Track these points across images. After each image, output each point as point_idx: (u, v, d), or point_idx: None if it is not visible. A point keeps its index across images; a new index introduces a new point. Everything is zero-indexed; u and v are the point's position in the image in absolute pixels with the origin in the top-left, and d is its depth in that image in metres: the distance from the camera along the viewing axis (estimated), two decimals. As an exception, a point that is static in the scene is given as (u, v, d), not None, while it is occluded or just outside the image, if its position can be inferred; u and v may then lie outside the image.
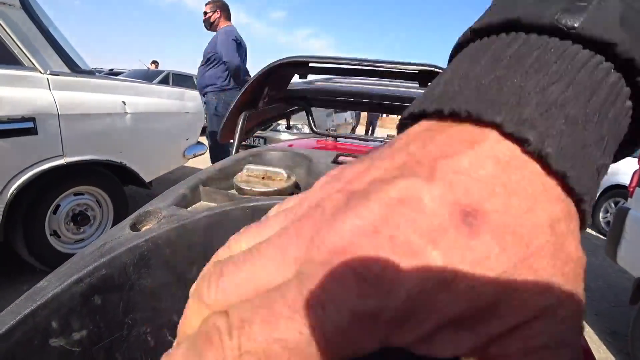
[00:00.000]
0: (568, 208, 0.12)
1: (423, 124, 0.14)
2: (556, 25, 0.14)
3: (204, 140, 3.02)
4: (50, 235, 1.84)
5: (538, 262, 0.11)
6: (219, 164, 0.68)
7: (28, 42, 1.62)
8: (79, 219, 1.97)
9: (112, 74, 8.74)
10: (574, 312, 0.12)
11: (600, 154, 0.13)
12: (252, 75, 1.21)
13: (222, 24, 2.98)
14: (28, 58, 1.61)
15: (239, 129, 1.11)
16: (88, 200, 2.01)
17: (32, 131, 1.54)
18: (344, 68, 1.03)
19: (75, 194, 1.93)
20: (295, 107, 1.50)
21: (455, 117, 0.13)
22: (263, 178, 0.62)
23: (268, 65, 0.96)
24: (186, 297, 0.14)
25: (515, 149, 0.12)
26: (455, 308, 0.11)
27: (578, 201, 0.13)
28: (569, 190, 0.12)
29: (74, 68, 1.83)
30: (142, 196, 2.90)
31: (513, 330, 0.11)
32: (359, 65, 0.96)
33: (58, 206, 1.84)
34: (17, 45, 1.57)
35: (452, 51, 0.18)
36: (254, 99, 1.09)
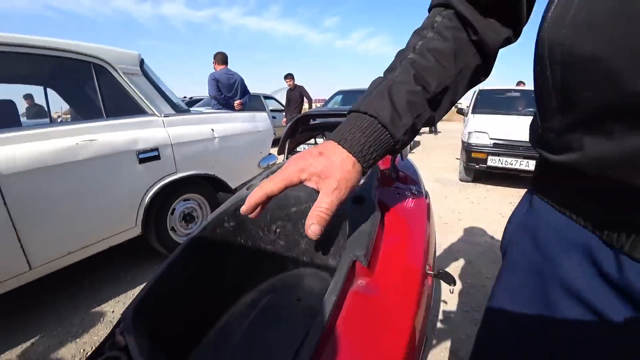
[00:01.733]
0: (347, 155, 0.49)
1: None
2: (358, 109, 0.51)
3: (274, 151, 3.67)
4: (170, 230, 2.55)
5: (333, 167, 0.48)
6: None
7: (148, 97, 2.35)
8: (187, 218, 2.68)
9: (193, 101, 10.02)
10: (338, 181, 0.48)
11: (367, 150, 0.50)
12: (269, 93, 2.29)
13: (217, 68, 4.84)
14: (150, 108, 2.34)
15: (286, 150, 1.71)
16: (193, 204, 2.72)
17: (157, 157, 2.26)
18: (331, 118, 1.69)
19: (184, 200, 2.64)
20: (318, 132, 2.07)
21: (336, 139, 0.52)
22: None
23: (294, 118, 1.59)
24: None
25: (339, 147, 0.50)
26: (316, 172, 0.49)
27: (350, 154, 0.49)
28: (347, 152, 0.49)
29: (177, 109, 2.55)
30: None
31: (323, 179, 0.49)
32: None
33: (174, 209, 2.56)
34: (142, 100, 2.31)
35: (347, 112, 0.53)
36: (293, 131, 1.70)
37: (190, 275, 0.86)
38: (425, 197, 1.12)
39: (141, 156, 2.16)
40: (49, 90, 2.61)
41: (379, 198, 0.95)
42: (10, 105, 1.93)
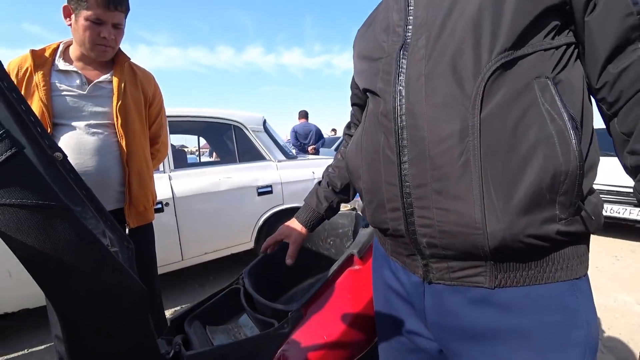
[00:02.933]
0: (298, 224, 1.06)
1: None
2: (305, 201, 1.08)
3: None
4: (275, 248, 3.33)
5: (293, 230, 1.06)
6: None
7: (267, 147, 3.22)
8: (289, 240, 3.44)
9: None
10: (295, 237, 1.06)
11: (307, 221, 1.05)
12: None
13: (299, 121, 6.70)
14: (268, 155, 3.20)
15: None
16: (293, 230, 3.48)
17: (270, 192, 3.07)
18: None
19: (287, 226, 3.41)
20: None
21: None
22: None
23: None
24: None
25: (295, 220, 1.08)
26: (287, 233, 1.08)
27: (300, 223, 1.06)
28: (297, 222, 1.07)
29: (287, 155, 3.38)
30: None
31: (290, 236, 1.07)
32: None
33: (279, 232, 3.34)
34: (263, 149, 3.18)
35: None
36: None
37: (279, 259, 1.50)
38: None
39: (260, 190, 3.00)
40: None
41: None
42: (182, 152, 2.94)
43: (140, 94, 1.50)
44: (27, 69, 1.31)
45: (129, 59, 1.49)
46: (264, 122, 3.30)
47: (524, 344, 0.58)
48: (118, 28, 1.36)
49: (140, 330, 0.59)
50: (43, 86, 1.29)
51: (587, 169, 0.54)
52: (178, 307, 2.71)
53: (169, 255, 2.62)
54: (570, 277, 0.58)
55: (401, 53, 0.62)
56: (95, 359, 0.56)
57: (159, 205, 2.49)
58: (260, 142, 3.18)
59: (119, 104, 1.40)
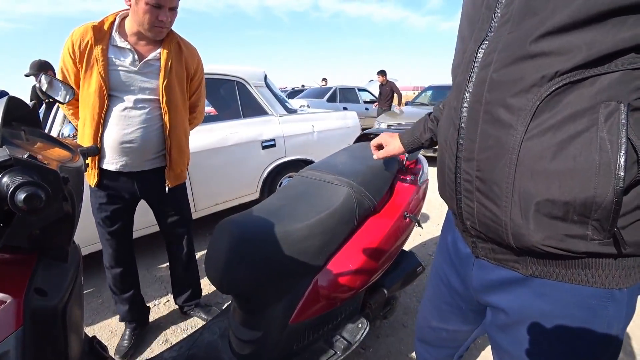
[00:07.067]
0: (399, 142, 1.18)
1: None
2: (412, 127, 1.20)
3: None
4: (278, 197, 3.55)
5: (394, 143, 1.21)
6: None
7: (269, 102, 3.34)
8: (291, 190, 3.65)
9: (295, 91, 11.18)
10: (392, 149, 1.22)
11: (408, 142, 1.15)
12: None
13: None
14: (270, 110, 3.33)
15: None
16: (295, 180, 3.69)
17: (274, 145, 3.23)
18: None
19: (289, 177, 3.59)
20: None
21: None
22: None
23: (358, 135, 2.23)
24: None
25: (397, 137, 1.20)
26: (386, 141, 1.31)
27: (401, 142, 1.18)
28: (399, 140, 1.18)
29: (288, 110, 3.51)
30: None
31: (388, 145, 1.33)
32: None
33: (281, 182, 3.53)
34: (266, 104, 3.30)
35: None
36: (361, 137, 2.48)
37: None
38: (419, 183, 1.71)
39: (264, 144, 3.17)
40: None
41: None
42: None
43: (183, 70, 1.63)
44: (87, 42, 1.43)
45: (178, 36, 1.62)
46: (265, 77, 3.39)
47: (550, 327, 0.64)
48: (174, 10, 1.48)
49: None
50: (102, 61, 1.44)
51: None
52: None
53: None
54: (605, 285, 0.58)
55: (478, 50, 0.63)
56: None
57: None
58: (262, 97, 3.30)
59: (165, 82, 1.55)
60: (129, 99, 1.51)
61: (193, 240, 2.01)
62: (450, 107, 0.73)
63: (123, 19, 1.52)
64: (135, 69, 1.51)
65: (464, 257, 0.82)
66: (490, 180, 0.61)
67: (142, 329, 1.98)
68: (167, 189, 1.72)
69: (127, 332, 1.91)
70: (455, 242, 0.86)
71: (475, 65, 0.62)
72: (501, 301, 0.72)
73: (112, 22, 1.50)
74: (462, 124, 0.65)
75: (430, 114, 1.10)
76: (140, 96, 1.53)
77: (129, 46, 1.49)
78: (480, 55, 0.61)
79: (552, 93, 0.52)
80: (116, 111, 1.51)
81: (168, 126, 1.60)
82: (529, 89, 0.54)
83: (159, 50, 1.55)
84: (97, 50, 1.43)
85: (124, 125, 1.52)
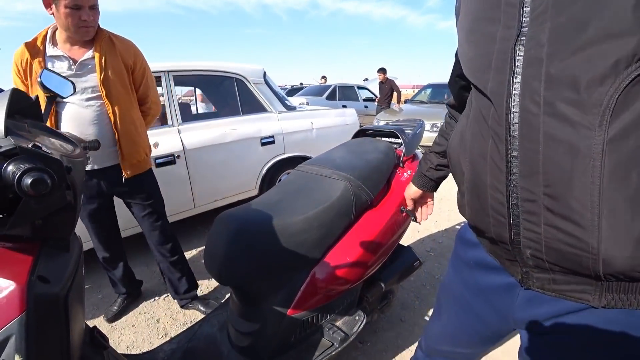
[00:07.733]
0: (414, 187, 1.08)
1: None
2: (420, 168, 1.06)
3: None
4: (277, 194, 3.57)
5: (409, 188, 1.11)
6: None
7: (268, 99, 3.35)
8: (290, 187, 3.67)
9: (294, 89, 11.16)
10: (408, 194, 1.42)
11: (419, 183, 1.06)
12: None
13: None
14: (269, 107, 3.34)
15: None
16: (294, 177, 3.71)
17: (273, 142, 3.25)
18: None
19: (287, 173, 3.61)
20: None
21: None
22: None
23: (356, 131, 2.26)
24: None
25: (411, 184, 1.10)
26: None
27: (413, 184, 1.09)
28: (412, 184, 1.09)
29: (287, 107, 3.52)
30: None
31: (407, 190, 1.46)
32: None
33: (280, 179, 3.54)
34: (265, 101, 3.32)
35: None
36: (358, 133, 2.50)
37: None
38: None
39: (263, 141, 3.18)
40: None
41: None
42: (187, 105, 3.06)
43: (120, 63, 1.70)
44: (26, 59, 1.56)
45: (107, 32, 1.71)
46: (264, 74, 3.40)
47: (619, 353, 0.56)
48: (94, 9, 1.56)
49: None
50: None
51: None
52: (193, 250, 2.98)
53: (182, 204, 2.84)
54: None
55: (517, 48, 0.53)
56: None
57: (171, 158, 2.67)
58: (261, 94, 3.31)
59: (102, 77, 1.63)
60: (74, 101, 1.61)
61: (171, 231, 2.07)
62: (479, 119, 0.62)
63: (55, 30, 1.63)
64: (72, 72, 1.60)
65: (504, 288, 0.70)
66: (566, 196, 0.50)
67: (133, 298, 2.26)
68: (123, 179, 1.79)
69: (119, 300, 2.18)
70: (487, 272, 0.75)
71: (517, 65, 0.53)
72: (556, 329, 0.62)
73: (45, 36, 1.60)
74: (513, 133, 0.54)
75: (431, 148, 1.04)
76: (85, 96, 1.63)
77: (62, 53, 1.59)
78: (520, 53, 0.53)
79: (634, 81, 0.44)
80: (66, 114, 1.61)
81: (113, 119, 1.68)
82: (602, 80, 0.45)
83: (91, 49, 1.63)
84: (36, 64, 1.55)
85: (77, 124, 1.62)
